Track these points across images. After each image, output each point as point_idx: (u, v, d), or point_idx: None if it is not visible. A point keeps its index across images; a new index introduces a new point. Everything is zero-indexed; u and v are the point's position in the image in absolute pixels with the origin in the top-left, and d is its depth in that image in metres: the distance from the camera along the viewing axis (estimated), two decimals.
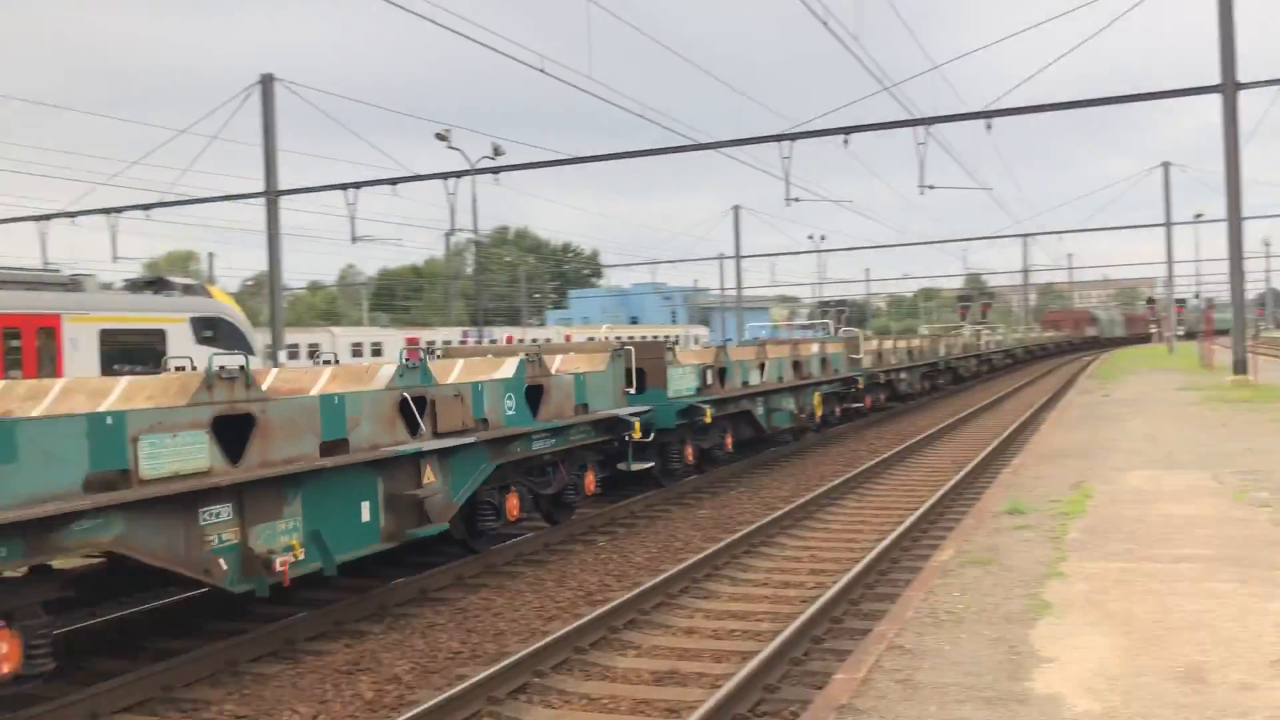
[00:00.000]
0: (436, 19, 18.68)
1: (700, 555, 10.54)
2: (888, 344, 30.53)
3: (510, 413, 11.24)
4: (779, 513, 12.91)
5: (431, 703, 6.53)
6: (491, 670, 7.12)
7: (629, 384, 14.12)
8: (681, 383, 15.51)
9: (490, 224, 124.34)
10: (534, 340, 67.55)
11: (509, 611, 9.31)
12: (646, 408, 13.94)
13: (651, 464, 14.47)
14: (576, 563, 11.08)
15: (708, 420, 15.60)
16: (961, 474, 15.36)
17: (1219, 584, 7.15)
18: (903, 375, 30.44)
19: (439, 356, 12.33)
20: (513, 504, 11.28)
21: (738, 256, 75.65)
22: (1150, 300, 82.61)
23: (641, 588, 9.27)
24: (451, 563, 10.60)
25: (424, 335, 59.04)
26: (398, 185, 33.99)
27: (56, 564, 7.30)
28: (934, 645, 6.11)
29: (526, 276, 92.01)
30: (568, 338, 77.18)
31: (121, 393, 8.43)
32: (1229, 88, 25.55)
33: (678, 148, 31.52)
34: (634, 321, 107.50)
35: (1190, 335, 75.30)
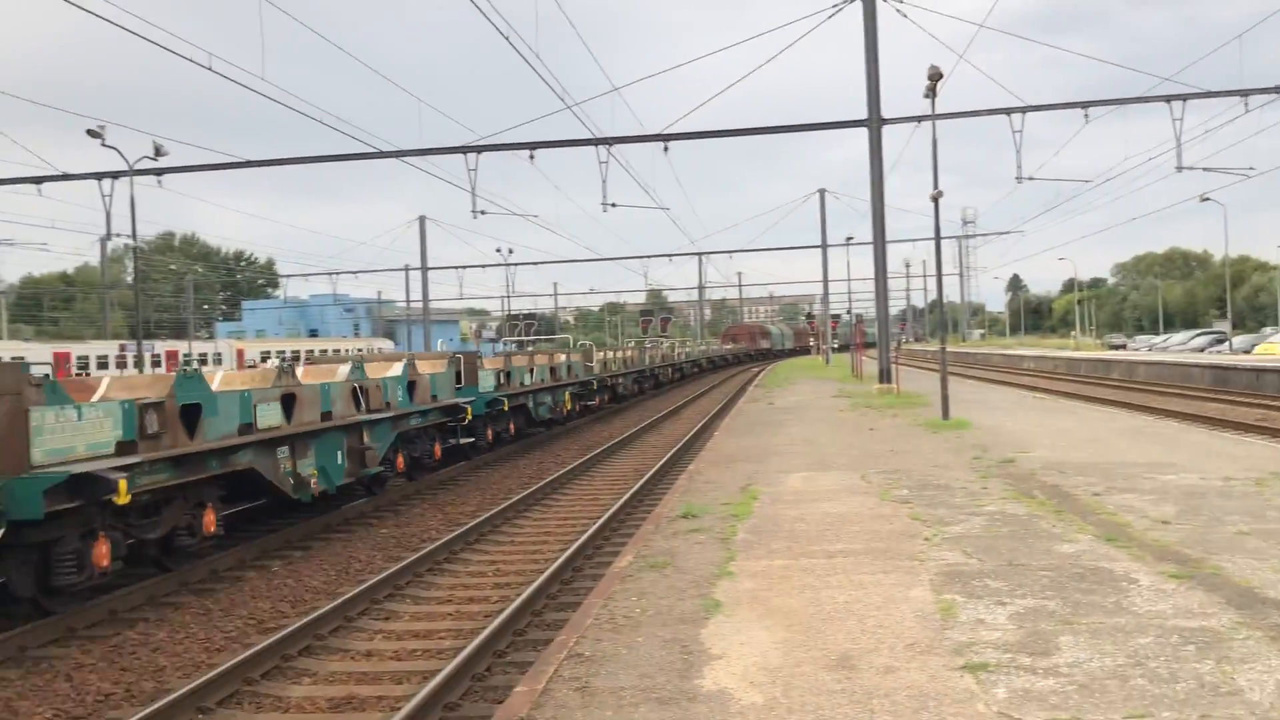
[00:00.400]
0: (85, 5, 17.13)
1: (381, 575, 10.26)
2: (611, 354, 36.72)
3: (400, 399, 16.11)
4: (464, 527, 12.81)
5: None
6: (148, 710, 6.57)
7: (458, 382, 19.34)
8: (487, 382, 20.67)
9: (153, 229, 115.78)
10: (200, 355, 63.39)
11: (170, 645, 8.63)
12: (471, 399, 18.87)
13: (474, 438, 19.46)
14: (247, 590, 10.45)
15: (505, 409, 21.08)
16: (643, 480, 15.89)
17: (866, 576, 7.79)
18: (621, 380, 35.77)
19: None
20: (400, 461, 16.05)
21: (424, 268, 74.67)
22: (809, 315, 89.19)
23: (317, 612, 8.89)
24: (104, 595, 9.71)
25: (75, 349, 53.93)
26: (43, 185, 30.97)
27: None
28: (612, 650, 6.25)
29: (194, 286, 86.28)
30: (240, 353, 72.98)
31: (222, 379, 13.36)
32: (874, 123, 28.13)
33: (359, 154, 30.72)
34: (313, 334, 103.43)
35: (845, 348, 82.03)
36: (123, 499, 9.00)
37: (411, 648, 8.39)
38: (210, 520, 10.98)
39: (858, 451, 15.75)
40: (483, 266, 72.40)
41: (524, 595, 9.08)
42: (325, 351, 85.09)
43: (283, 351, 77.54)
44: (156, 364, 59.81)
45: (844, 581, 7.65)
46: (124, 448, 9.59)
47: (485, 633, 7.94)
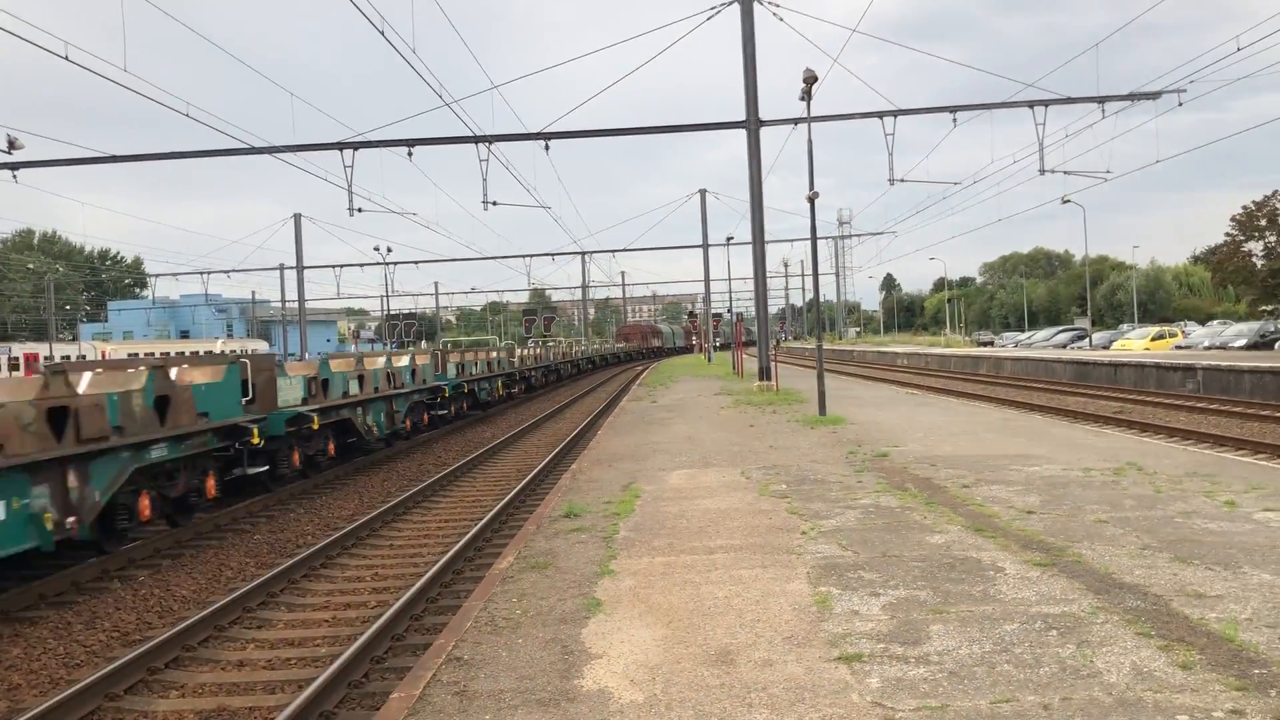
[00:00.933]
0: None
1: (254, 583, 9.96)
2: (526, 351, 44.94)
3: (408, 380, 22.88)
4: (341, 531, 12.52)
5: None
6: None
7: (437, 369, 26.35)
8: (451, 371, 27.95)
9: (9, 226, 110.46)
10: (65, 356, 60.71)
11: (26, 662, 8.22)
12: (445, 382, 26.02)
13: (445, 411, 26.07)
14: (111, 602, 10.02)
15: (464, 391, 28.39)
16: (526, 479, 15.80)
17: (745, 571, 7.88)
18: (533, 372, 42.64)
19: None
20: (408, 422, 22.60)
21: (299, 267, 72.87)
22: (691, 314, 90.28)
23: (186, 622, 8.58)
24: None
25: None
26: None
27: None
28: (491, 653, 6.19)
29: (55, 286, 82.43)
30: (104, 355, 69.99)
31: (323, 368, 18.22)
32: (752, 124, 28.50)
33: (231, 150, 29.74)
34: (184, 335, 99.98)
35: (727, 346, 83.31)
36: (315, 426, 15.98)
37: (286, 656, 8.17)
38: (331, 448, 17.89)
39: (738, 448, 15.94)
40: (361, 265, 70.94)
41: (403, 599, 8.93)
42: (197, 353, 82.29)
43: (151, 354, 74.71)
44: (15, 368, 57.04)
45: (724, 577, 7.73)
46: (304, 401, 16.55)
47: (363, 638, 7.77)
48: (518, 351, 41.69)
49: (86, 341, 77.84)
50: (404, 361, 22.92)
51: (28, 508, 9.53)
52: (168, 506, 12.77)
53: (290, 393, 16.26)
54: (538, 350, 48.66)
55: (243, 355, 15.81)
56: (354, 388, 19.19)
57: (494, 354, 35.21)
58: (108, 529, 11.31)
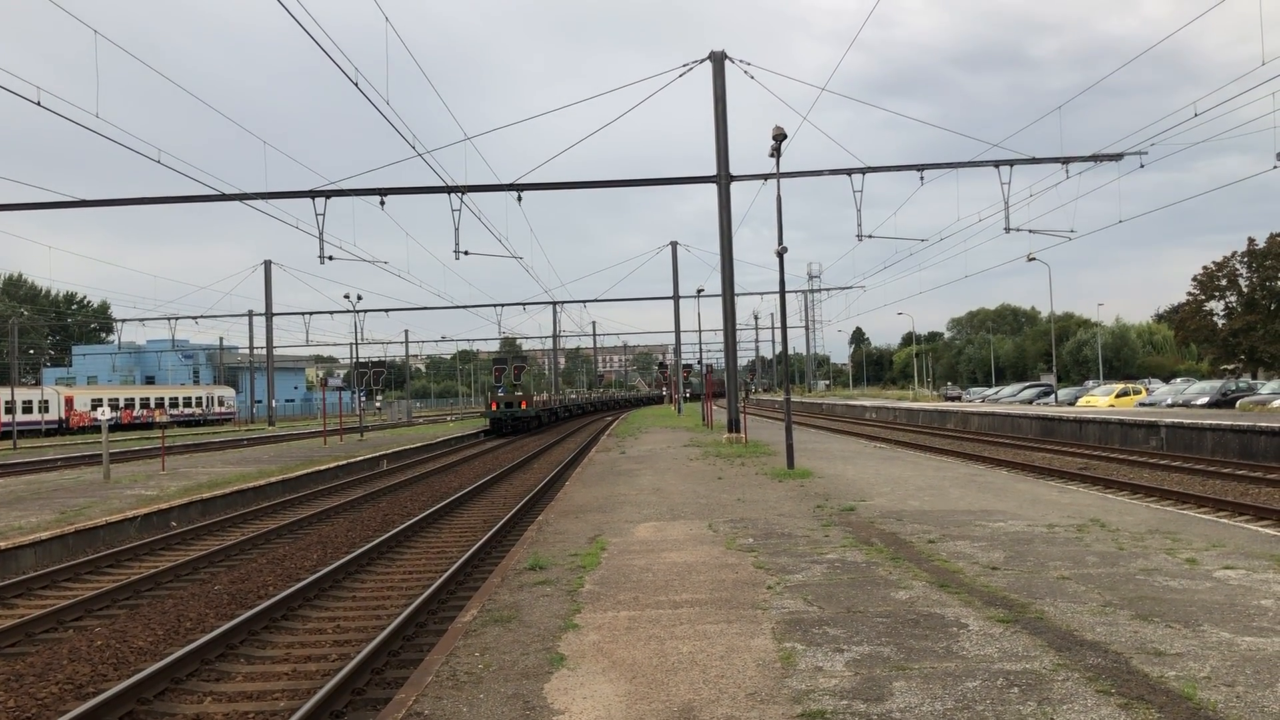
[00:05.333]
0: None
1: (212, 634, 9.81)
2: (577, 391, 62.65)
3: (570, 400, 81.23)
4: (301, 583, 12.37)
5: None
6: None
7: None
8: (567, 398, 69.18)
9: None
10: (25, 402, 60.02)
11: None
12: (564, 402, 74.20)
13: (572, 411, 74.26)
14: (65, 652, 9.83)
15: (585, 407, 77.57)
16: (493, 531, 15.68)
17: (710, 625, 7.86)
18: (590, 403, 60.99)
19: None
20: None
21: (269, 314, 72.52)
22: (661, 365, 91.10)
23: (142, 674, 8.43)
24: None
25: None
26: None
27: None
28: (452, 708, 6.12)
29: (20, 330, 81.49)
30: (69, 400, 69.03)
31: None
32: (722, 179, 28.84)
33: (201, 197, 29.74)
34: (149, 381, 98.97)
35: (697, 397, 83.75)
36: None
37: (244, 710, 8.03)
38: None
39: (706, 501, 15.93)
40: (330, 313, 70.74)
41: (364, 652, 8.81)
42: (162, 399, 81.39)
43: (115, 399, 73.84)
44: None
45: (689, 632, 7.70)
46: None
47: (322, 692, 7.66)
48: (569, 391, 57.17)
49: (49, 385, 76.89)
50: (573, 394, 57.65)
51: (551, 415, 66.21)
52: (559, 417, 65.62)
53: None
54: (574, 395, 71.32)
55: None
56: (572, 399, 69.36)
57: (573, 394, 57.61)
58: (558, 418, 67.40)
